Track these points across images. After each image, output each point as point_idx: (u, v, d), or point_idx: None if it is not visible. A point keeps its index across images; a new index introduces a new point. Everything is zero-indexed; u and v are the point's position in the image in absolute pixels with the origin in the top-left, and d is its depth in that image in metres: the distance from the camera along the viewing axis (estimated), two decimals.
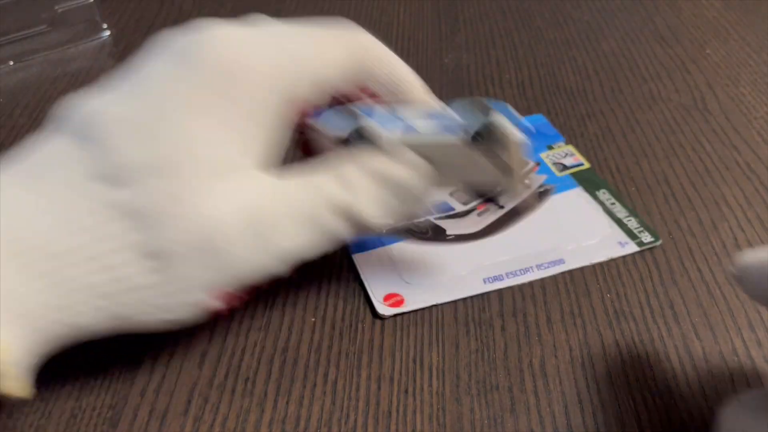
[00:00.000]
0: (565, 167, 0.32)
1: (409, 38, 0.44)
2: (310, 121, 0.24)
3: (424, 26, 0.45)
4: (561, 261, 0.27)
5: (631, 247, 0.27)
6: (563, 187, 0.31)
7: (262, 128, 0.21)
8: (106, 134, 0.20)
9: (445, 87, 0.39)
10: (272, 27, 0.23)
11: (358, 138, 0.23)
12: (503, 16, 0.46)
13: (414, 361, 0.23)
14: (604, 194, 0.30)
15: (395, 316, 0.25)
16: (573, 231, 0.28)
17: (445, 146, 0.23)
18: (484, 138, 0.22)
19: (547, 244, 0.28)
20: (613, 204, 0.30)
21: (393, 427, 0.21)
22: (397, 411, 0.22)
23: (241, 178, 0.21)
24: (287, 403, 0.22)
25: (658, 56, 0.42)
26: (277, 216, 0.21)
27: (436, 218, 0.29)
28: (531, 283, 0.26)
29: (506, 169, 0.23)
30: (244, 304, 0.25)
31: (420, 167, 0.22)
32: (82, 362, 0.23)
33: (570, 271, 0.27)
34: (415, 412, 0.22)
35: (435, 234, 0.29)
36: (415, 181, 0.22)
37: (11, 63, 0.42)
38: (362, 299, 0.26)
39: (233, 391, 0.22)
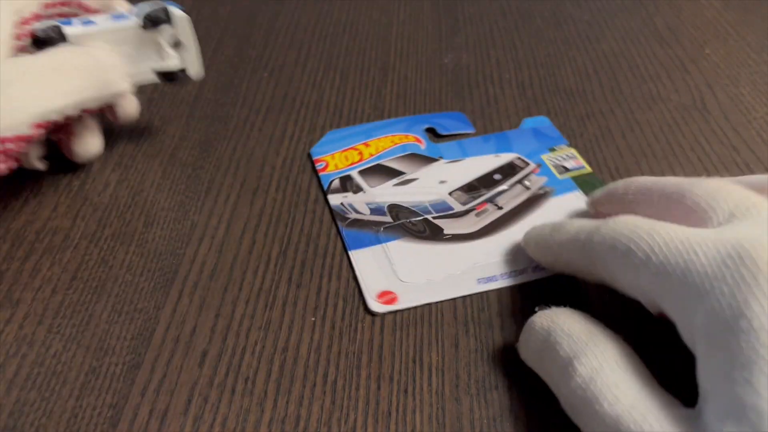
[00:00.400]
0: (566, 170, 0.32)
1: (409, 38, 0.44)
2: (26, 28, 0.29)
3: (424, 26, 0.45)
4: None
5: None
6: (563, 189, 0.31)
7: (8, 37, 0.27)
8: None
9: (445, 87, 0.39)
10: None
11: (50, 36, 0.28)
12: (503, 16, 0.47)
13: (414, 360, 0.23)
14: None
15: (388, 313, 0.25)
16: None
17: (121, 31, 0.30)
18: (153, 20, 0.30)
19: None
20: None
21: (393, 427, 0.21)
22: (397, 411, 0.22)
23: None
24: (287, 402, 0.22)
25: (658, 56, 0.42)
26: (21, 80, 0.26)
27: (434, 217, 0.29)
28: (527, 284, 0.26)
29: (179, 44, 0.31)
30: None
31: (104, 48, 0.29)
32: (82, 361, 0.23)
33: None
34: (414, 411, 0.22)
35: (432, 233, 0.29)
36: (101, 59, 0.29)
37: None
38: (361, 299, 0.26)
39: (233, 390, 0.22)
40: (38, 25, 0.29)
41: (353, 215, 0.30)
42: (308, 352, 0.24)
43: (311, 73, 0.40)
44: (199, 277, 0.27)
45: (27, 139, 0.26)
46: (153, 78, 0.32)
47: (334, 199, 0.31)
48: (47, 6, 0.30)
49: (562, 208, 0.30)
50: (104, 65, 0.29)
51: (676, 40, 0.43)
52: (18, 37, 0.28)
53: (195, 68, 0.32)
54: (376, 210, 0.30)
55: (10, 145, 0.25)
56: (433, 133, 0.35)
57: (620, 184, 0.25)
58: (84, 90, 0.27)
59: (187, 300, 0.26)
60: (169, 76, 0.32)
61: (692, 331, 0.17)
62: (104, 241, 0.28)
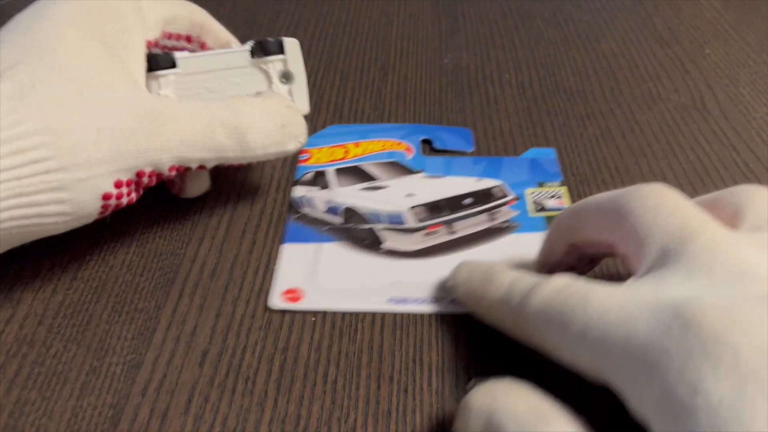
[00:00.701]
0: (542, 209, 0.30)
1: (409, 38, 0.44)
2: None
3: (424, 26, 0.46)
4: None
5: None
6: (529, 227, 0.29)
7: (142, 60, 0.27)
8: None
9: (445, 87, 0.39)
10: None
11: (159, 59, 0.28)
12: (503, 17, 0.47)
13: (414, 360, 0.23)
14: None
15: (285, 312, 0.25)
16: None
17: (229, 57, 0.29)
18: (263, 48, 0.29)
19: None
20: None
21: (393, 427, 0.21)
22: (397, 410, 0.22)
23: (134, 86, 0.25)
24: (287, 402, 0.22)
25: (658, 56, 0.42)
26: (175, 121, 0.25)
27: (382, 228, 0.28)
28: (430, 315, 0.25)
29: (288, 76, 0.30)
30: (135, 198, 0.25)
31: (281, 98, 0.28)
32: (83, 361, 0.23)
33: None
34: (414, 411, 0.22)
35: (372, 243, 0.28)
36: (278, 108, 0.28)
37: None
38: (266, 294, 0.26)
39: (234, 390, 0.22)
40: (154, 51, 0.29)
41: (306, 209, 0.30)
42: (308, 352, 0.24)
43: (311, 73, 0.40)
44: (199, 277, 0.27)
45: (159, 177, 0.25)
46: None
47: (297, 191, 0.31)
48: (168, 36, 0.30)
49: (516, 247, 0.28)
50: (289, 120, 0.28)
51: (675, 41, 0.43)
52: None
53: (303, 103, 0.30)
54: (332, 210, 0.30)
55: (145, 179, 0.25)
56: (429, 145, 0.34)
57: (561, 218, 0.24)
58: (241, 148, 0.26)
59: (188, 300, 0.26)
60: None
61: (643, 406, 0.16)
62: (104, 241, 0.28)
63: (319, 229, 0.29)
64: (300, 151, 0.32)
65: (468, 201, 0.30)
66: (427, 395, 0.22)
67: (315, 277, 0.26)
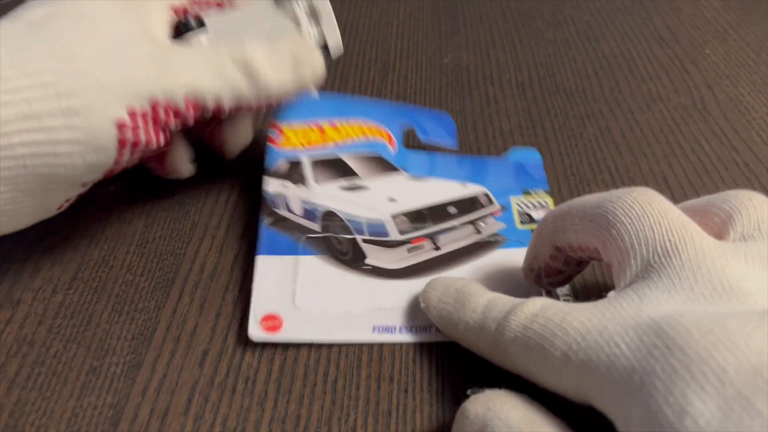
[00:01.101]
0: (530, 220, 0.29)
1: (409, 38, 0.44)
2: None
3: (424, 26, 0.46)
4: None
5: None
6: (516, 242, 0.27)
7: (165, 23, 0.27)
8: None
9: (445, 87, 0.39)
10: None
11: (189, 23, 0.28)
12: (503, 17, 0.47)
13: (414, 360, 0.23)
14: None
15: (264, 345, 0.24)
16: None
17: (255, 7, 0.29)
18: None
19: None
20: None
21: (393, 427, 0.21)
22: (397, 410, 0.22)
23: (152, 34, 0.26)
24: (287, 402, 0.22)
25: (658, 56, 0.42)
26: (180, 52, 0.25)
27: (363, 240, 0.27)
28: (421, 345, 0.24)
29: (315, 15, 0.29)
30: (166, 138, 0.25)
31: (288, 33, 0.28)
32: (83, 361, 0.23)
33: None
34: (414, 411, 0.22)
35: (353, 258, 0.26)
36: (287, 44, 0.27)
37: None
38: (244, 320, 0.25)
39: (234, 390, 0.22)
40: (180, 17, 0.28)
41: (282, 211, 0.28)
42: (308, 352, 0.24)
43: None
44: (199, 277, 0.27)
45: (176, 113, 0.25)
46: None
47: (271, 185, 0.28)
48: (195, 2, 0.29)
49: (504, 263, 0.26)
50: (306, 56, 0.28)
51: (675, 41, 0.43)
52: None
53: (335, 40, 0.29)
54: (309, 212, 0.28)
55: (161, 113, 0.24)
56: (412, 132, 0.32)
57: (546, 220, 0.23)
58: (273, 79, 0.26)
59: (188, 300, 0.26)
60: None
61: (631, 428, 0.16)
62: (104, 241, 0.28)
63: (296, 238, 0.27)
64: (269, 125, 0.31)
65: (453, 210, 0.28)
66: (428, 395, 0.22)
67: (293, 299, 0.25)
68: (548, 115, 0.36)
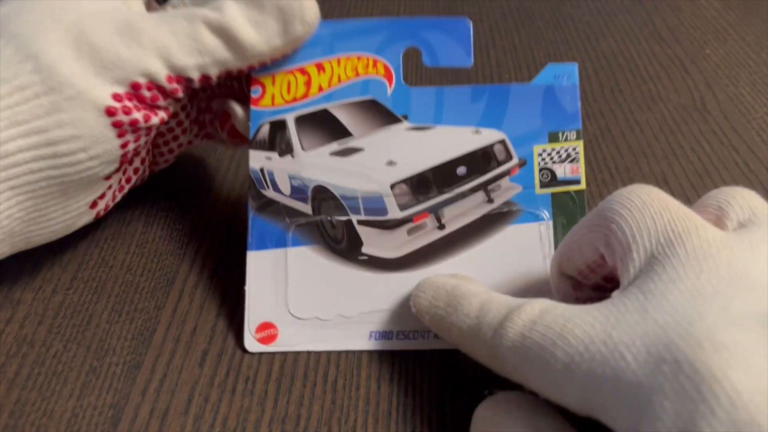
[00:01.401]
0: (552, 178, 0.24)
1: None
2: None
3: None
4: None
5: None
6: (531, 215, 0.24)
7: None
8: None
9: None
10: None
11: None
12: (503, 17, 0.47)
13: (414, 361, 0.23)
14: None
15: (262, 354, 0.24)
16: (502, 288, 0.23)
17: None
18: None
19: None
20: None
21: (393, 427, 0.21)
22: (397, 411, 0.22)
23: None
24: (287, 402, 0.22)
25: (658, 56, 0.42)
26: (153, 26, 0.23)
27: (359, 221, 0.24)
28: (419, 353, 0.23)
29: None
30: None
31: None
32: (83, 361, 0.23)
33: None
34: (415, 412, 0.22)
35: (348, 246, 0.24)
36: None
37: None
38: (239, 329, 0.24)
39: (234, 390, 0.22)
40: None
41: (270, 192, 0.25)
42: (308, 352, 0.24)
43: None
44: (199, 277, 0.27)
45: (162, 90, 0.24)
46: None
47: (255, 159, 0.25)
48: None
49: (516, 246, 0.24)
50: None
51: (675, 41, 0.43)
52: None
53: None
54: (298, 189, 0.25)
55: (145, 92, 0.23)
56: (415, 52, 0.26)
57: (553, 257, 0.22)
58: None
59: (188, 300, 0.26)
60: None
61: None
62: (104, 241, 0.28)
63: (286, 225, 0.24)
64: (250, 82, 0.26)
65: (462, 171, 0.25)
66: (428, 396, 0.22)
67: (287, 305, 0.24)
68: None
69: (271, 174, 0.25)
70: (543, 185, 0.24)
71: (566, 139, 0.24)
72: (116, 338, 0.24)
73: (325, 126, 0.25)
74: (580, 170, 0.24)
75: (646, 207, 0.18)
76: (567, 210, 0.24)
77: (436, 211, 0.24)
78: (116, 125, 0.23)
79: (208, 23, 0.23)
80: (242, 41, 0.24)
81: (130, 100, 0.23)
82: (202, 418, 0.22)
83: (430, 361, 0.23)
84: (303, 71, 0.26)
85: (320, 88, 0.25)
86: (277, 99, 0.25)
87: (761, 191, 0.31)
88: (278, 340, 0.24)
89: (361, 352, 0.24)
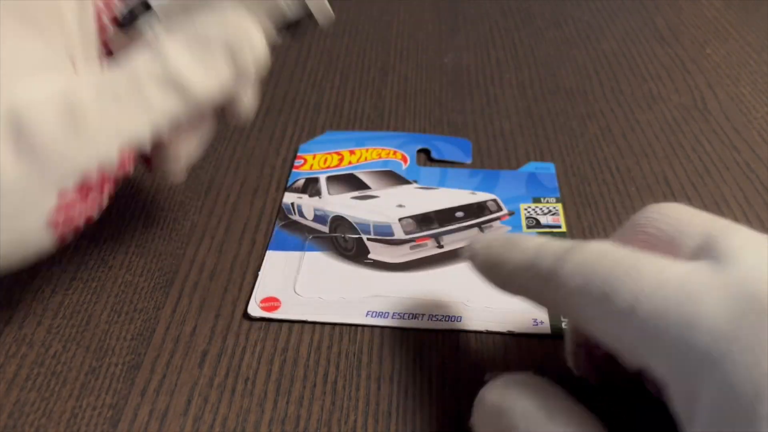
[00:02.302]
0: (537, 224, 0.29)
1: (409, 38, 0.44)
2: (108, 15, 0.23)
3: (424, 26, 0.45)
4: (457, 318, 0.24)
5: (543, 328, 0.24)
6: None
7: (66, 27, 0.21)
8: None
9: (445, 87, 0.39)
10: None
11: (133, 15, 0.22)
12: (503, 16, 0.47)
13: (414, 361, 0.23)
14: None
15: (263, 320, 0.25)
16: (495, 293, 0.24)
17: None
18: None
19: (457, 296, 0.25)
20: None
21: (393, 428, 0.21)
22: (397, 411, 0.22)
23: (50, 74, 0.20)
24: (287, 403, 0.22)
25: (658, 56, 0.42)
26: (96, 101, 0.19)
27: (368, 239, 0.28)
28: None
29: None
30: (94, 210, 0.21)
31: (215, 12, 0.21)
32: (82, 362, 0.23)
33: (458, 331, 0.24)
34: (415, 412, 0.22)
35: (357, 253, 0.27)
36: (212, 30, 0.21)
37: None
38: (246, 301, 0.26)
39: (233, 391, 0.22)
40: (120, 7, 0.23)
41: (295, 216, 0.29)
42: (308, 353, 0.24)
43: (311, 73, 0.40)
44: (199, 277, 0.27)
45: (111, 176, 0.21)
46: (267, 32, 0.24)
47: (288, 198, 0.30)
48: None
49: None
50: (241, 38, 0.22)
51: (676, 40, 0.43)
52: (102, 29, 0.23)
53: (322, 8, 0.23)
54: (320, 217, 0.29)
55: (95, 184, 0.20)
56: (426, 155, 0.33)
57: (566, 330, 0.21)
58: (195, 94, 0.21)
59: (187, 300, 0.26)
60: (290, 27, 0.24)
61: (691, 404, 0.14)
62: (104, 241, 0.28)
63: (304, 237, 0.28)
64: (295, 157, 0.32)
65: (460, 214, 0.29)
66: (428, 396, 0.22)
67: (293, 286, 0.26)
68: (549, 115, 0.36)
69: (299, 207, 0.30)
70: (529, 227, 0.29)
71: (547, 202, 0.30)
72: (115, 338, 0.24)
73: (349, 182, 0.31)
74: (560, 221, 0.29)
75: (681, 213, 0.17)
76: None
77: (436, 237, 0.28)
78: (57, 233, 0.20)
79: (154, 76, 0.20)
80: (193, 89, 0.21)
81: (74, 202, 0.20)
82: (202, 419, 0.22)
83: (431, 361, 0.23)
84: (338, 153, 0.33)
85: (349, 162, 0.33)
86: (315, 167, 0.32)
87: (762, 191, 0.31)
88: (280, 310, 0.25)
89: (362, 352, 0.24)
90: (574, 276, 0.16)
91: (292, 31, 0.24)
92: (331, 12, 0.23)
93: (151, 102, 0.20)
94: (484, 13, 0.47)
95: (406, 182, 0.32)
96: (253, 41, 0.22)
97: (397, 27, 0.45)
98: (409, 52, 0.42)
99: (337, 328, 0.25)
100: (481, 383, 0.21)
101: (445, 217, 0.29)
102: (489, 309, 0.25)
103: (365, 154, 0.33)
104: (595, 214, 0.30)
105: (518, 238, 0.20)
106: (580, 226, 0.29)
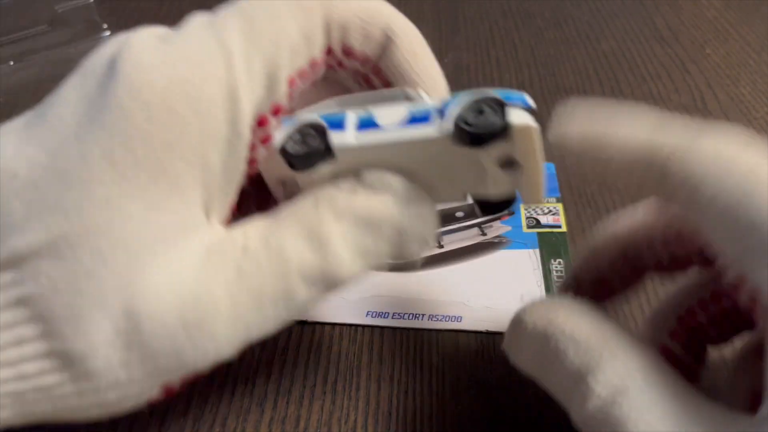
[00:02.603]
0: (537, 224, 0.29)
1: None
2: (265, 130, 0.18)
3: (424, 26, 0.45)
4: (457, 318, 0.25)
5: None
6: (520, 244, 0.28)
7: (207, 174, 0.17)
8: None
9: None
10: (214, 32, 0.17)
11: (307, 153, 0.17)
12: (503, 16, 0.46)
13: (414, 361, 0.23)
14: (558, 265, 0.27)
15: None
16: (495, 292, 0.25)
17: (417, 144, 0.17)
18: (475, 138, 0.17)
19: (457, 296, 0.25)
20: (560, 278, 0.26)
21: (393, 428, 0.21)
22: (397, 411, 0.22)
23: (177, 250, 0.16)
24: (287, 403, 0.22)
25: (658, 56, 0.42)
26: (228, 297, 0.16)
27: None
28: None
29: (512, 163, 0.17)
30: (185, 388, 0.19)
31: (393, 188, 0.17)
32: None
33: (458, 331, 0.24)
34: (415, 412, 0.22)
35: None
36: (389, 211, 0.17)
37: (11, 63, 0.42)
38: None
39: (233, 391, 0.22)
40: (286, 129, 0.18)
41: None
42: (308, 353, 0.24)
43: None
44: None
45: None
46: (457, 202, 0.20)
47: None
48: (303, 75, 0.18)
49: (506, 264, 0.27)
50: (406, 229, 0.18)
51: (676, 40, 0.43)
52: (253, 161, 0.18)
53: (534, 194, 0.18)
54: None
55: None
56: None
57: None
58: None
59: None
60: (487, 206, 0.19)
61: None
62: None
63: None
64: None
65: (460, 214, 0.29)
66: (428, 397, 0.22)
67: None
68: (549, 115, 0.36)
69: None
70: (529, 227, 0.28)
71: (547, 202, 0.30)
72: None
73: None
74: (560, 220, 0.29)
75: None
76: (551, 243, 0.28)
77: (436, 237, 0.27)
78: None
79: (305, 274, 0.17)
80: (340, 278, 0.17)
81: (176, 385, 0.18)
82: (202, 419, 0.22)
83: (431, 361, 0.23)
84: None
85: None
86: None
87: None
88: None
89: (362, 351, 0.24)
90: (684, 178, 0.15)
91: (485, 207, 0.19)
92: (543, 196, 0.18)
93: (294, 298, 0.17)
94: (484, 13, 0.47)
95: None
96: (427, 234, 0.18)
97: None
98: None
99: (336, 328, 0.25)
100: (481, 383, 0.21)
101: (445, 217, 0.29)
102: (489, 309, 0.25)
103: None
104: (595, 214, 0.30)
105: (618, 116, 0.17)
106: (580, 226, 0.29)
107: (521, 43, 0.43)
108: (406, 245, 0.18)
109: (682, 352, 0.19)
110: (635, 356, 0.15)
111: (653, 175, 0.16)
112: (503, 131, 0.17)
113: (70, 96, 0.16)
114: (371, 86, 0.21)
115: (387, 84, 0.20)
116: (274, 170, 0.19)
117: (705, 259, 0.17)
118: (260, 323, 0.17)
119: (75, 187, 0.15)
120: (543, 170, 0.18)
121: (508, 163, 0.18)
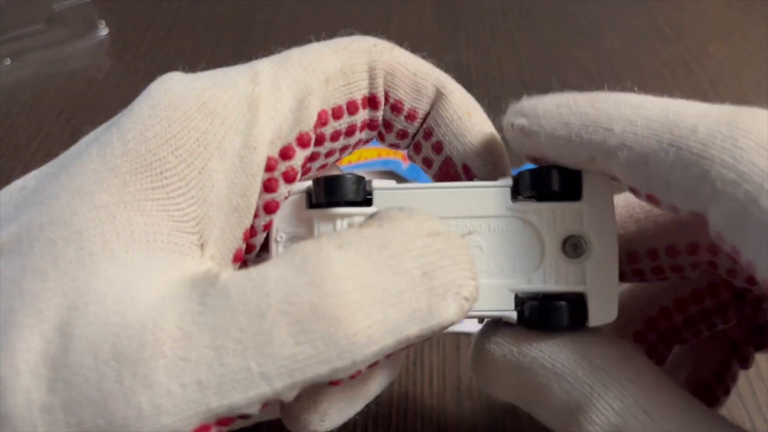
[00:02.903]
0: None
1: (409, 37, 0.44)
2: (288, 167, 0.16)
3: (424, 25, 0.45)
4: None
5: None
6: None
7: (205, 183, 0.14)
8: None
9: None
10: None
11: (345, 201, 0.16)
12: (504, 15, 0.46)
13: (414, 363, 0.23)
14: None
15: None
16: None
17: (473, 194, 0.16)
18: (535, 182, 0.15)
19: None
20: None
21: (393, 429, 0.21)
22: (398, 414, 0.21)
23: (141, 261, 0.13)
24: None
25: (661, 55, 0.41)
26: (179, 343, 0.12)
27: None
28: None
29: (579, 241, 0.15)
30: None
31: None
32: None
33: (458, 332, 0.24)
34: (415, 414, 0.21)
35: None
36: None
37: (8, 61, 0.42)
38: None
39: None
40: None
41: None
42: None
43: None
44: None
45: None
46: (502, 311, 0.15)
47: None
48: (338, 114, 0.17)
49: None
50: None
51: (679, 39, 0.43)
52: (270, 186, 0.15)
53: (606, 308, 0.15)
54: None
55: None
56: None
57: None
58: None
59: None
60: (545, 313, 0.15)
61: None
62: None
63: None
64: None
65: None
66: (428, 398, 0.22)
67: None
68: None
69: None
70: None
71: None
72: None
73: None
74: None
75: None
76: None
77: None
78: None
79: (286, 311, 0.13)
80: (346, 335, 0.13)
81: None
82: None
83: (431, 362, 0.23)
84: None
85: (348, 162, 0.31)
86: None
87: None
88: None
89: None
90: (691, 163, 0.13)
91: (538, 315, 0.15)
92: (614, 311, 0.15)
93: (274, 347, 0.13)
94: (484, 11, 0.47)
95: (406, 182, 0.31)
96: (459, 263, 0.14)
97: (397, 26, 0.45)
98: (409, 51, 0.42)
99: None
100: (478, 391, 0.20)
101: None
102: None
103: (365, 152, 0.33)
104: None
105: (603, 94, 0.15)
106: None
107: (522, 42, 0.43)
108: (436, 291, 0.14)
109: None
110: (631, 384, 0.13)
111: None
112: (575, 183, 0.15)
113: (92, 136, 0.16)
114: (419, 151, 0.18)
115: (438, 149, 0.18)
116: (286, 217, 0.16)
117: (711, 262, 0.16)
118: (220, 382, 0.12)
119: (60, 178, 0.14)
120: (615, 261, 0.15)
121: (574, 246, 0.15)
